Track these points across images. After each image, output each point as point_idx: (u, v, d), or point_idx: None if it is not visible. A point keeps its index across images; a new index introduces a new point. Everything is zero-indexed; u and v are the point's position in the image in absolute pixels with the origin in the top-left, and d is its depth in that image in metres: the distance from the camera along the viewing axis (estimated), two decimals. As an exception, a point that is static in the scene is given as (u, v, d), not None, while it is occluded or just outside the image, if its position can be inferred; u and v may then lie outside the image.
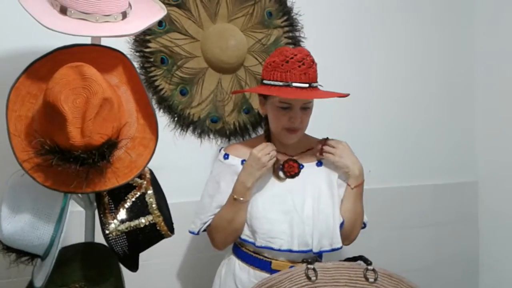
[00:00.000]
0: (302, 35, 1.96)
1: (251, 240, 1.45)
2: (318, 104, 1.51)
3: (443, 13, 2.31)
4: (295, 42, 1.95)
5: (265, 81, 1.45)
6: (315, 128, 1.55)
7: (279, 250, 1.43)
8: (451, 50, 2.34)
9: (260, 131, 1.93)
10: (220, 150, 1.58)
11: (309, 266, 1.41)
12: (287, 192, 1.46)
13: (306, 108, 1.46)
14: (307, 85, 1.40)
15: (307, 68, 1.41)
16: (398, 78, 2.20)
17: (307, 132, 1.54)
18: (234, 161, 1.51)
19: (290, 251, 1.44)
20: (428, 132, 2.29)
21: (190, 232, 1.52)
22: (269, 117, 1.50)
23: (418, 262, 2.12)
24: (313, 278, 1.41)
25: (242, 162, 1.49)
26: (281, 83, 1.40)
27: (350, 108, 1.96)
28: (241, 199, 1.42)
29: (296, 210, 1.44)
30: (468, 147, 2.41)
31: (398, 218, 1.93)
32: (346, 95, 1.47)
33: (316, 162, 1.53)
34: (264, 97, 1.49)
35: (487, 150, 2.40)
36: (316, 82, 1.44)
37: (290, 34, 1.95)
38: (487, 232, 2.41)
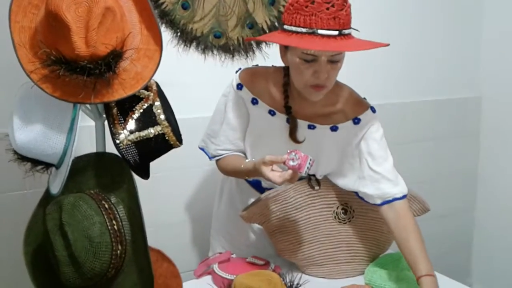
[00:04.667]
0: None
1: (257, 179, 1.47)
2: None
3: None
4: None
5: (285, 26, 1.21)
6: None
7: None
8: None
9: (265, 47, 1.91)
10: (237, 72, 1.43)
11: (311, 176, 1.48)
12: None
13: (335, 62, 1.23)
14: (336, 32, 1.15)
15: (337, 10, 1.15)
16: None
17: None
18: (246, 95, 1.39)
19: None
20: (431, 47, 2.26)
21: (201, 149, 1.53)
22: (291, 70, 1.29)
23: (419, 175, 2.19)
24: (316, 188, 1.47)
25: (253, 100, 1.39)
26: (304, 30, 1.16)
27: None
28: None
29: None
30: (472, 62, 2.39)
31: (399, 133, 1.97)
32: (386, 45, 1.23)
33: (332, 126, 1.38)
34: (285, 47, 1.28)
35: (492, 65, 2.38)
36: (349, 28, 1.20)
37: None
38: (488, 148, 2.46)
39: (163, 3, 1.70)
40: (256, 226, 1.54)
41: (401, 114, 2.02)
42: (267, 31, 1.88)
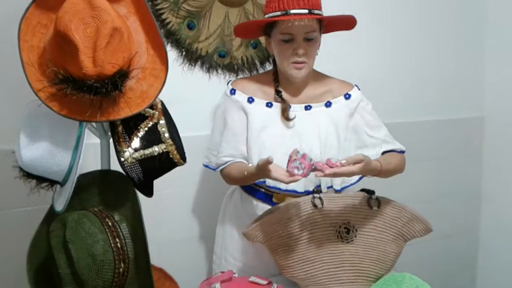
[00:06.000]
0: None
1: (262, 179, 1.48)
2: (322, 42, 1.49)
3: None
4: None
5: (265, 16, 1.42)
6: (318, 66, 1.54)
7: (286, 190, 1.49)
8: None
9: (268, 67, 1.93)
10: (228, 83, 1.58)
11: (315, 195, 1.47)
12: (295, 135, 1.48)
13: (310, 39, 1.41)
14: (306, 11, 1.35)
15: None
16: (402, 11, 2.15)
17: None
18: (241, 97, 1.51)
19: (295, 191, 1.49)
20: (434, 67, 2.27)
21: (205, 166, 1.56)
22: (275, 55, 1.47)
23: (422, 195, 2.18)
24: (319, 206, 1.47)
25: (249, 99, 1.50)
26: (278, 13, 1.36)
27: (352, 43, 1.92)
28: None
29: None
30: (475, 82, 2.40)
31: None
32: (352, 19, 1.41)
33: (326, 102, 1.52)
34: (268, 35, 1.46)
35: (495, 85, 2.39)
36: (319, 9, 1.39)
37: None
38: (491, 167, 2.45)
39: (169, 23, 1.73)
40: (259, 245, 1.53)
41: (404, 133, 2.02)
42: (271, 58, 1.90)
